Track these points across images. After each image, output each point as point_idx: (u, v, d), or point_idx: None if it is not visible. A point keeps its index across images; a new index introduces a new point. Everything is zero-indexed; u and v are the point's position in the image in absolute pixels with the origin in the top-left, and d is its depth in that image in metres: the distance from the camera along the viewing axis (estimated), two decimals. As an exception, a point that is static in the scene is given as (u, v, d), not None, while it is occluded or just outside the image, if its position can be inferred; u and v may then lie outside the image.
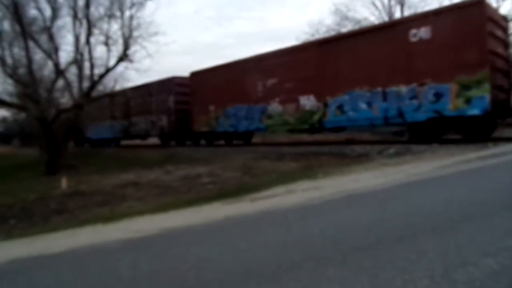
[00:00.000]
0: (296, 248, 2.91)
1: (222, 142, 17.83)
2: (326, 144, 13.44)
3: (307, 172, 7.84)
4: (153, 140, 23.86)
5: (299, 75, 13.59)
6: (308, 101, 13.55)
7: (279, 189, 6.00)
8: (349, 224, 3.52)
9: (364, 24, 21.95)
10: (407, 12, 23.35)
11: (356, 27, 21.39)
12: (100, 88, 16.93)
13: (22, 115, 20.04)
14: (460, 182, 5.32)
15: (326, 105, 13.02)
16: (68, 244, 3.94)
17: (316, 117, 13.32)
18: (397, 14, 23.60)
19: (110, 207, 6.60)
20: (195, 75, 18.44)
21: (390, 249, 2.70)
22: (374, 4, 24.59)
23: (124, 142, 25.49)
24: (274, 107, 14.68)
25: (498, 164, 6.49)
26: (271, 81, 14.77)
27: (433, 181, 5.50)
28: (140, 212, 5.47)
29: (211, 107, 17.36)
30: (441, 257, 2.43)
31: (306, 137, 17.20)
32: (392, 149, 9.83)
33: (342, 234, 3.19)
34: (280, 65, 14.39)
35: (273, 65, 14.65)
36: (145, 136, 22.00)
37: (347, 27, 23.30)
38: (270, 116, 14.86)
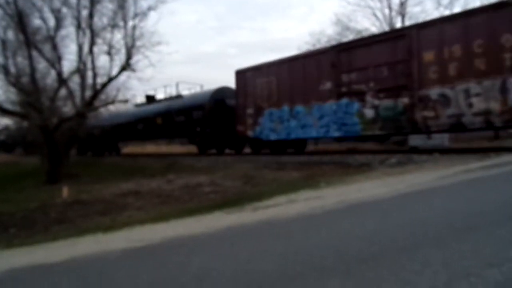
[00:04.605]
0: (298, 258, 2.88)
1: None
2: (328, 153, 13.35)
3: (309, 182, 7.81)
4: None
5: None
6: None
7: (281, 199, 5.97)
8: (351, 234, 3.49)
9: (365, 34, 22.02)
10: (408, 23, 23.51)
11: (358, 37, 21.47)
12: (102, 97, 17.03)
13: (25, 123, 20.05)
14: (463, 192, 5.28)
15: None
16: (68, 254, 3.91)
17: None
18: (398, 25, 23.74)
19: (111, 216, 6.58)
20: None
21: (393, 259, 2.67)
22: (375, 15, 24.76)
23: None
24: None
25: (501, 174, 6.46)
26: None
27: (436, 191, 5.47)
28: (141, 221, 5.44)
29: None
30: (444, 267, 2.40)
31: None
32: (393, 159, 9.80)
33: (344, 244, 3.16)
34: None
35: None
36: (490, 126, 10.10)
37: (348, 37, 23.42)
38: None
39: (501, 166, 7.10)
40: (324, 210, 4.74)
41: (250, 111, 14.98)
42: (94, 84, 16.19)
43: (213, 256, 3.22)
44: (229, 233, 4.10)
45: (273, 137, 14.14)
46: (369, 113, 11.53)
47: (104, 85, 16.35)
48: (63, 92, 16.76)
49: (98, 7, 15.53)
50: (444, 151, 11.06)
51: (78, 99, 16.32)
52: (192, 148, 19.61)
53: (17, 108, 17.35)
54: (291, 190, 6.69)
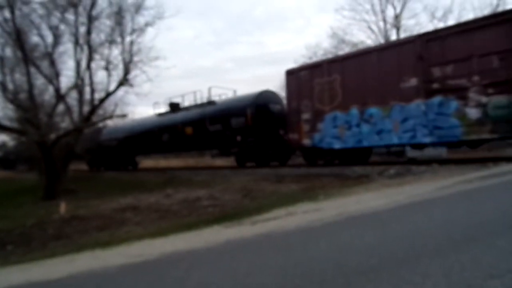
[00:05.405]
0: (298, 271, 2.86)
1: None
2: (326, 166, 13.32)
3: (308, 194, 7.80)
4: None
5: None
6: None
7: (280, 212, 5.95)
8: (351, 246, 3.47)
9: (361, 47, 22.25)
10: (403, 36, 23.80)
11: (353, 50, 21.69)
12: (100, 112, 17.09)
13: (24, 139, 19.99)
14: (462, 202, 5.28)
15: None
16: (66, 270, 3.87)
17: None
18: (393, 37, 24.01)
19: (109, 232, 6.54)
20: None
21: (393, 271, 2.65)
22: (370, 28, 25.10)
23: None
24: None
25: (499, 184, 6.46)
26: None
27: (435, 202, 5.46)
28: (140, 237, 5.41)
29: None
30: (445, 279, 2.38)
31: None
32: (392, 170, 9.80)
33: (344, 256, 3.15)
34: None
35: None
36: None
37: (344, 50, 23.67)
38: None
39: (499, 176, 7.11)
40: (323, 223, 4.72)
41: (306, 116, 12.88)
42: (92, 99, 16.27)
43: (212, 270, 3.20)
44: (228, 247, 4.08)
45: (338, 145, 12.03)
46: (473, 113, 9.41)
47: (102, 100, 16.45)
48: (61, 108, 16.86)
49: (96, 23, 15.73)
50: (442, 161, 11.07)
51: (76, 115, 16.38)
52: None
53: (14, 125, 17.37)
54: (290, 203, 6.67)
